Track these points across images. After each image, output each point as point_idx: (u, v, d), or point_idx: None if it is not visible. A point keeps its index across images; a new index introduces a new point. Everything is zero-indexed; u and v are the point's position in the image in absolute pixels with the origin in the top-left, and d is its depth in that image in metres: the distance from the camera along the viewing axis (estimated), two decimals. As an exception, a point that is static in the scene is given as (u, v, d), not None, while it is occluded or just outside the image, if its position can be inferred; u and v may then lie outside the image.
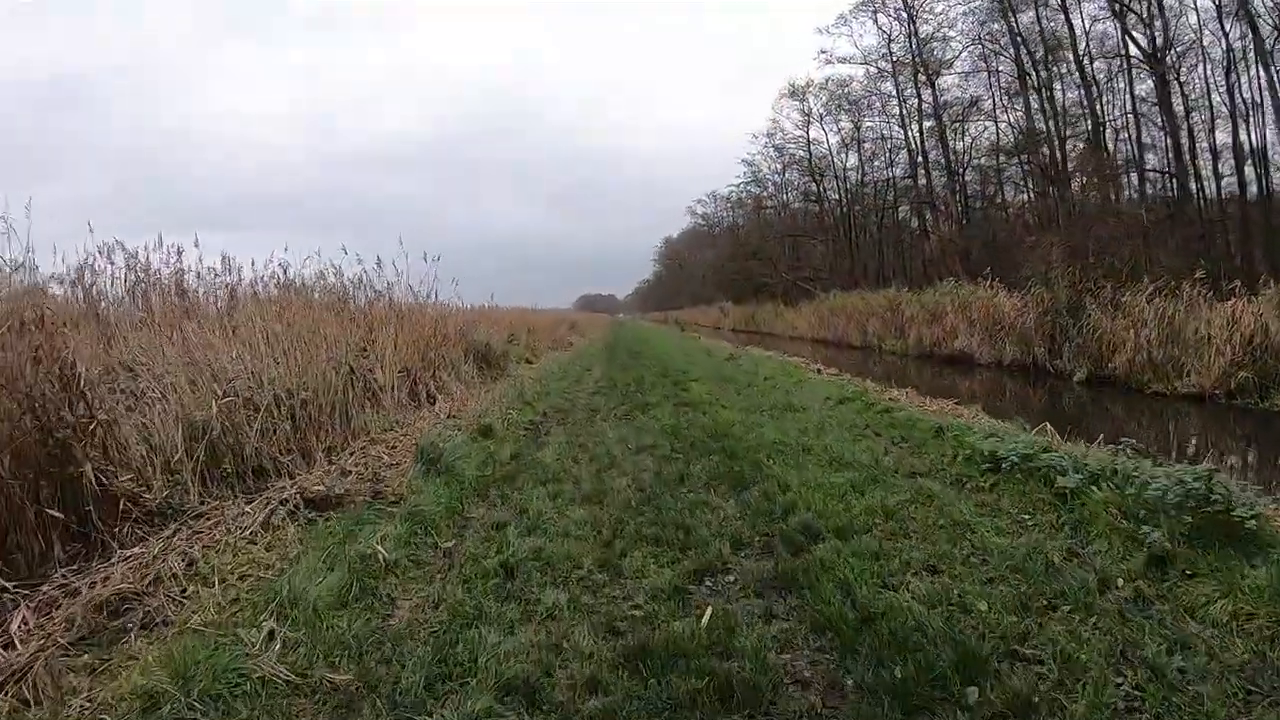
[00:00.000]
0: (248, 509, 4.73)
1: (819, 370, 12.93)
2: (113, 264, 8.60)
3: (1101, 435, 6.25)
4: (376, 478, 5.59)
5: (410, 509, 4.34)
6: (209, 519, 4.61)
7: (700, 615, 2.98)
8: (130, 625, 3.36)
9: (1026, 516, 4.36)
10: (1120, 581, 3.52)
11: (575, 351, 19.63)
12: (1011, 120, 26.69)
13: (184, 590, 3.69)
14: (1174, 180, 21.44)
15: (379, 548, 3.58)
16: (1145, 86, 22.54)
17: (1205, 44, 20.91)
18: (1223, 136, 20.94)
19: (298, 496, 4.78)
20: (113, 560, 3.93)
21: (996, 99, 27.50)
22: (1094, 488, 4.49)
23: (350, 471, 5.66)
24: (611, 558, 3.59)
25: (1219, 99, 20.82)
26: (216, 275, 9.40)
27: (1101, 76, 23.54)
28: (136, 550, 4.07)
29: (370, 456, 6.13)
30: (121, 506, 4.26)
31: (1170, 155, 21.15)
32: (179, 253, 9.13)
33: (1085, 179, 21.36)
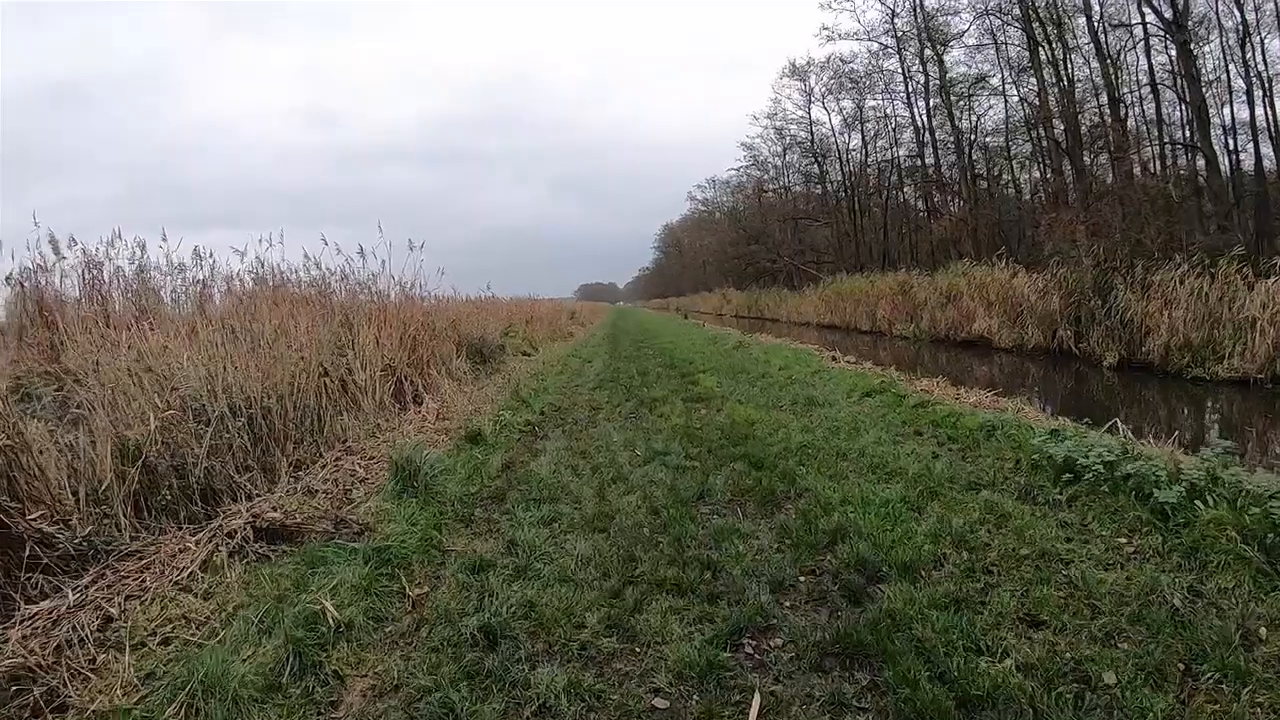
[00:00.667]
0: (190, 543, 3.98)
1: (834, 358, 12.14)
2: (64, 259, 7.81)
3: (1177, 433, 5.51)
4: (346, 497, 4.84)
5: (377, 544, 3.58)
6: (140, 558, 3.86)
7: (746, 710, 2.22)
8: (19, 714, 2.65)
9: (1123, 541, 3.61)
10: (1264, 632, 2.79)
11: (576, 342, 18.84)
12: (1022, 94, 25.74)
13: (93, 660, 2.96)
14: (1191, 154, 20.57)
15: (327, 605, 2.82)
16: (1158, 60, 21.66)
17: (1219, 16, 20.07)
18: (1233, 112, 20.16)
19: (248, 527, 4.03)
20: (12, 621, 3.19)
21: (1005, 75, 26.54)
22: (1198, 503, 3.74)
23: (317, 490, 4.90)
24: (622, 614, 2.83)
25: (1234, 71, 19.99)
26: (183, 270, 8.59)
27: (1115, 50, 22.59)
28: (45, 605, 3.34)
29: (342, 470, 5.38)
30: (28, 551, 3.51)
31: (1193, 128, 20.24)
32: (141, 247, 8.33)
33: (1108, 152, 20.45)
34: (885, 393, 7.36)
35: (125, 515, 4.08)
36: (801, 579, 3.16)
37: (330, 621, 2.79)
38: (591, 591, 3.02)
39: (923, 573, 3.17)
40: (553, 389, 9.43)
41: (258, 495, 4.79)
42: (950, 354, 15.96)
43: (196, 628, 3.16)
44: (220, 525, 4.16)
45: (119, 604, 3.37)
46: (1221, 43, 20.46)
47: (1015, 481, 4.38)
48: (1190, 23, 19.96)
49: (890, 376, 8.64)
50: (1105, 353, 12.47)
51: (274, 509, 4.32)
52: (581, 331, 23.46)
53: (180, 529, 4.25)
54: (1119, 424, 5.21)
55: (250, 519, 4.11)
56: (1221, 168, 19.96)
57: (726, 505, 4.17)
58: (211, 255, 8.35)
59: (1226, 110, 20.27)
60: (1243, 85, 19.82)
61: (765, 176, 44.09)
